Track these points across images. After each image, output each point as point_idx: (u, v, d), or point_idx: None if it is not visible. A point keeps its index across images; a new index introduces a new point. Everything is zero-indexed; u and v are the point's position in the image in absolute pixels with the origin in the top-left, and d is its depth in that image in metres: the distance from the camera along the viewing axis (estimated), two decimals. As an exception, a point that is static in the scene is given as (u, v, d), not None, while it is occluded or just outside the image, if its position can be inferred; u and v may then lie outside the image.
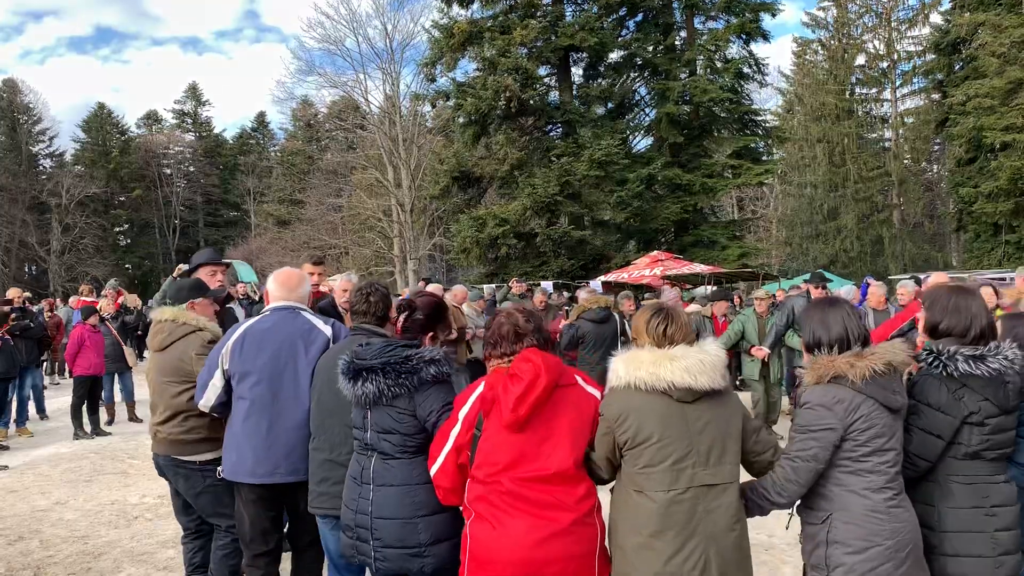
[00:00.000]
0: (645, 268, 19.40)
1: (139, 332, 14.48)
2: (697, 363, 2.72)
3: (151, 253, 55.37)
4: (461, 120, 25.99)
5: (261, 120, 64.13)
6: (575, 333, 8.05)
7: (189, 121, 61.42)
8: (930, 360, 2.88)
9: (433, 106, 31.15)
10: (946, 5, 30.86)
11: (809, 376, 2.80)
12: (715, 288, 15.80)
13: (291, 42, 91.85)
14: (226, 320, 5.04)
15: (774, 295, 10.28)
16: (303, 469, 3.58)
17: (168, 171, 57.57)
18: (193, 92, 61.62)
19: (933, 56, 31.07)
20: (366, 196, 39.68)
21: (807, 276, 20.74)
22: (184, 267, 6.04)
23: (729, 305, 10.89)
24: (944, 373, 2.83)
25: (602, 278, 19.61)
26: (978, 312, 2.93)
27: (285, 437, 3.61)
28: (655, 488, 2.71)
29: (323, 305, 5.02)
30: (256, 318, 3.88)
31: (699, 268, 19.23)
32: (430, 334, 3.49)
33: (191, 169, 59.20)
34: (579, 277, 22.56)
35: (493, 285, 18.45)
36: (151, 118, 61.18)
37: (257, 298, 15.69)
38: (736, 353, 9.32)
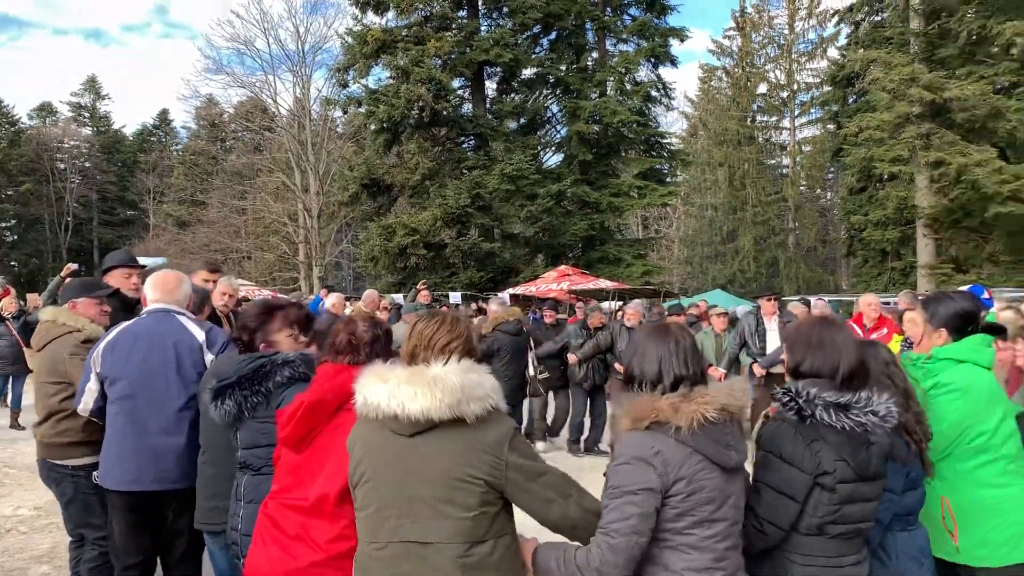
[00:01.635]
0: (553, 282, 19.60)
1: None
2: (416, 388, 2.20)
3: (39, 251, 52.58)
4: (373, 127, 25.78)
5: (164, 117, 61.95)
6: (490, 345, 8.00)
7: (86, 115, 58.77)
8: (786, 401, 2.37)
9: (344, 112, 30.73)
10: (843, 41, 32.50)
11: (623, 421, 2.23)
12: (665, 303, 15.19)
13: (199, 39, 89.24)
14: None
15: (727, 312, 10.06)
16: (172, 479, 3.48)
17: (62, 166, 54.83)
18: (92, 85, 59.02)
19: (829, 88, 32.58)
20: (271, 200, 38.79)
21: (710, 293, 21.39)
22: (73, 266, 5.77)
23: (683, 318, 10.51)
24: (800, 419, 2.33)
25: (510, 291, 19.71)
26: (845, 349, 2.43)
27: (153, 444, 3.50)
28: (361, 538, 2.32)
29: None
30: (130, 321, 3.77)
31: (604, 284, 19.55)
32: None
33: (87, 165, 56.55)
34: (487, 289, 22.62)
35: (401, 295, 18.30)
36: (45, 110, 58.20)
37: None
38: None
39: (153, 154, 56.72)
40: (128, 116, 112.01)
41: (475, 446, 2.21)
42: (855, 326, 7.44)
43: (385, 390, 2.23)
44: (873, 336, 7.15)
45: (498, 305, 8.84)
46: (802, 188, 40.44)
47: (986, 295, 4.90)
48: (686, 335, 2.34)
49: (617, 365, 8.59)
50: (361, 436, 2.34)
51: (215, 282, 5.55)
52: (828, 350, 2.42)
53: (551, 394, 9.37)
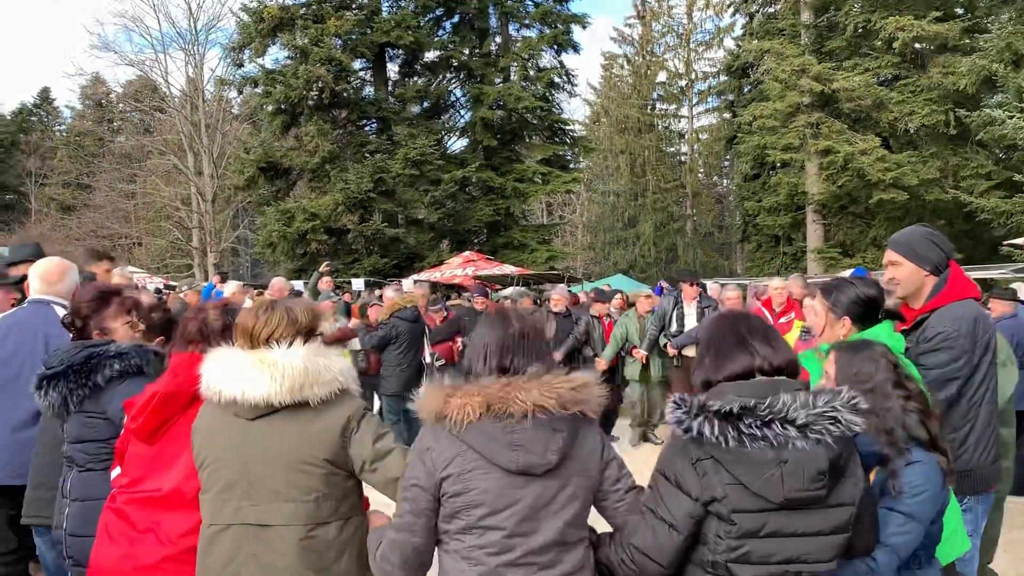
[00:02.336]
0: (457, 268, 19.52)
1: None
2: (257, 372, 2.18)
3: (-96, 237, 49.00)
4: (270, 108, 24.99)
5: (45, 96, 58.38)
6: (388, 332, 7.80)
7: (-44, 91, 54.91)
8: (672, 411, 1.99)
9: (240, 92, 29.73)
10: (738, 31, 33.40)
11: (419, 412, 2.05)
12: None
13: (84, 15, 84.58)
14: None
15: (652, 294, 9.91)
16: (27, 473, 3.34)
17: (-71, 145, 51.12)
18: (-39, 59, 55.14)
19: (726, 78, 33.45)
20: (163, 183, 37.20)
21: (612, 278, 21.70)
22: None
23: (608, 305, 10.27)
24: (686, 431, 1.93)
25: (415, 277, 19.51)
26: (763, 343, 2.02)
27: (11, 436, 3.43)
28: (204, 519, 2.28)
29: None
30: (8, 312, 3.73)
31: (509, 269, 19.60)
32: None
33: (-42, 145, 52.91)
34: (392, 275, 22.32)
35: (302, 281, 17.83)
36: (-92, 85, 54.10)
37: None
38: (618, 356, 9.10)
39: (34, 135, 53.43)
40: (5, 94, 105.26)
41: (318, 428, 2.21)
42: (764, 310, 7.51)
43: (227, 375, 2.22)
44: (782, 320, 7.27)
45: (395, 291, 8.63)
46: (700, 175, 41.52)
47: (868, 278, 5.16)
48: (526, 322, 2.09)
49: (599, 361, 8.58)
50: (204, 419, 2.32)
51: (107, 271, 5.35)
52: (740, 351, 2.01)
53: None
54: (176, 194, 36.53)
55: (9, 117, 57.05)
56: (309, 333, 2.33)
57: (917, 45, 22.06)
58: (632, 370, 8.80)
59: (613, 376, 9.05)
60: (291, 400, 2.18)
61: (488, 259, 21.08)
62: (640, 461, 8.04)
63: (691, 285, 8.49)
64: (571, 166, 28.91)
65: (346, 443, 2.24)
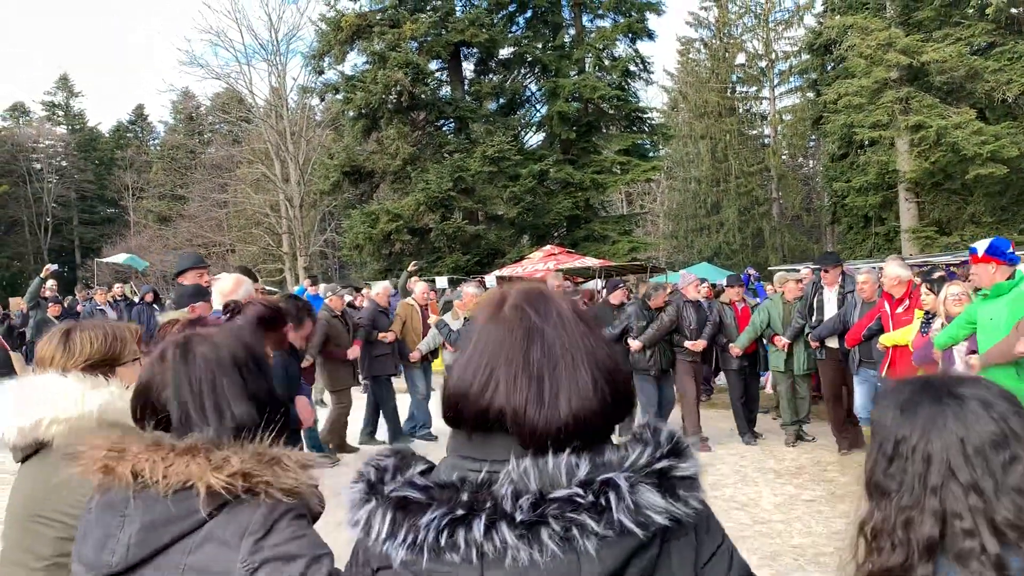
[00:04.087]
0: (539, 262, 19.56)
1: (25, 336, 13.52)
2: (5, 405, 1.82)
3: (20, 253, 52.02)
4: (351, 114, 25.57)
5: (139, 113, 61.21)
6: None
7: (60, 113, 58.01)
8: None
9: (322, 99, 30.47)
10: (819, 8, 32.40)
11: None
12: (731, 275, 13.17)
13: (172, 33, 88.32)
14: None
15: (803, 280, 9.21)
16: None
17: (38, 166, 54.17)
18: (64, 83, 58.23)
19: (807, 56, 32.54)
20: (252, 191, 38.48)
21: (697, 266, 21.38)
22: (53, 267, 5.75)
23: (743, 289, 9.82)
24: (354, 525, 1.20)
25: (497, 272, 19.67)
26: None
27: None
28: None
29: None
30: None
31: (591, 262, 19.53)
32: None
33: (64, 164, 55.92)
34: (474, 272, 22.56)
35: (390, 280, 18.23)
36: (17, 110, 57.37)
37: (137, 299, 15.02)
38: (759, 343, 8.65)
39: (130, 150, 56.08)
40: (103, 113, 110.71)
41: (52, 478, 1.70)
42: (886, 304, 7.00)
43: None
44: (899, 311, 6.82)
45: (476, 288, 8.77)
46: (784, 157, 40.43)
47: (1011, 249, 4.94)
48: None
49: (688, 344, 8.31)
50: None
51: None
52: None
53: None
54: (265, 201, 37.73)
55: (107, 135, 60.01)
56: (102, 364, 1.97)
57: (1013, 10, 20.99)
58: (776, 360, 8.37)
59: (753, 365, 8.75)
60: (21, 441, 1.81)
61: (569, 252, 21.07)
62: (787, 461, 7.96)
63: (829, 270, 7.98)
64: (650, 154, 28.60)
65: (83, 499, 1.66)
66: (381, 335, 8.96)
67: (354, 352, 8.73)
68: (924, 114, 21.14)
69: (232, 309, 3.00)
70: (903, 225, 23.96)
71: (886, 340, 6.79)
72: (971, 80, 21.07)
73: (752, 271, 15.59)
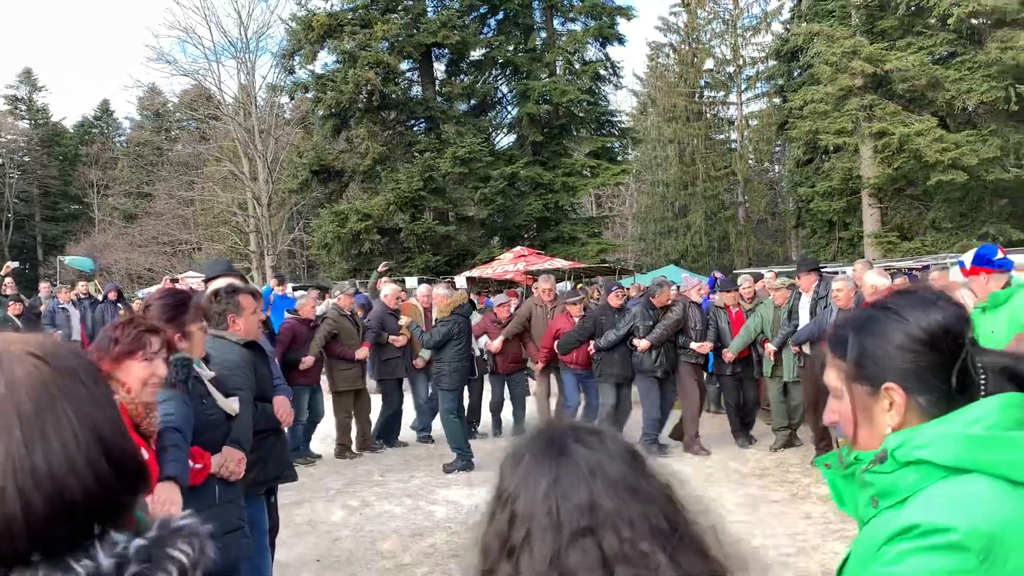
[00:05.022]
0: (509, 264, 19.67)
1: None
2: None
3: (-21, 249, 51.05)
4: (321, 112, 25.50)
5: (105, 108, 60.26)
6: (450, 329, 7.71)
7: (23, 108, 56.93)
8: None
9: (292, 98, 30.30)
10: (786, 14, 32.87)
11: None
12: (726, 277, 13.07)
13: (139, 28, 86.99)
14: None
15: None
16: None
17: (0, 160, 53.18)
18: (28, 77, 57.17)
19: (774, 62, 32.96)
20: (220, 189, 38.11)
21: (665, 269, 21.59)
22: (13, 265, 5.69)
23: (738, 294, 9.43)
24: None
25: (467, 273, 19.73)
26: None
27: None
28: None
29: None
30: None
31: (560, 263, 19.68)
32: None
33: (26, 159, 54.87)
34: (444, 272, 22.59)
35: (358, 280, 18.20)
36: (-23, 103, 56.25)
37: (101, 298, 14.82)
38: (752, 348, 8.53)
39: (95, 146, 55.17)
40: (68, 108, 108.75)
41: None
42: None
43: None
44: None
45: (447, 288, 8.81)
46: (750, 162, 40.91)
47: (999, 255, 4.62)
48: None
49: (694, 345, 8.19)
50: None
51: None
52: None
53: (597, 388, 8.59)
54: (233, 199, 37.38)
55: (72, 130, 59.00)
56: None
57: (973, 21, 21.47)
58: (766, 365, 8.26)
59: (749, 370, 8.63)
60: None
61: (539, 254, 21.20)
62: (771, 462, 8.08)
63: (803, 275, 7.72)
64: (619, 158, 28.87)
65: None
66: (392, 338, 8.82)
67: (362, 353, 8.55)
68: (887, 121, 21.58)
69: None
70: (866, 230, 24.40)
71: None
72: (932, 89, 21.55)
73: (718, 274, 15.79)
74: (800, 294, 7.80)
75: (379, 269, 10.97)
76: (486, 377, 9.32)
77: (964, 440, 1.13)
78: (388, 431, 9.12)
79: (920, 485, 1.14)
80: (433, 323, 8.64)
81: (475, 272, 19.99)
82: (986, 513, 1.09)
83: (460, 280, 17.40)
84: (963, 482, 1.12)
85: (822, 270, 7.94)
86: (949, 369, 1.16)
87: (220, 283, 4.24)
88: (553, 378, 9.16)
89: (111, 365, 2.51)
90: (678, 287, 10.30)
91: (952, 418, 1.15)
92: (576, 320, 8.45)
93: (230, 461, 3.21)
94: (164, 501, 2.61)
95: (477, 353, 8.71)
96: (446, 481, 7.45)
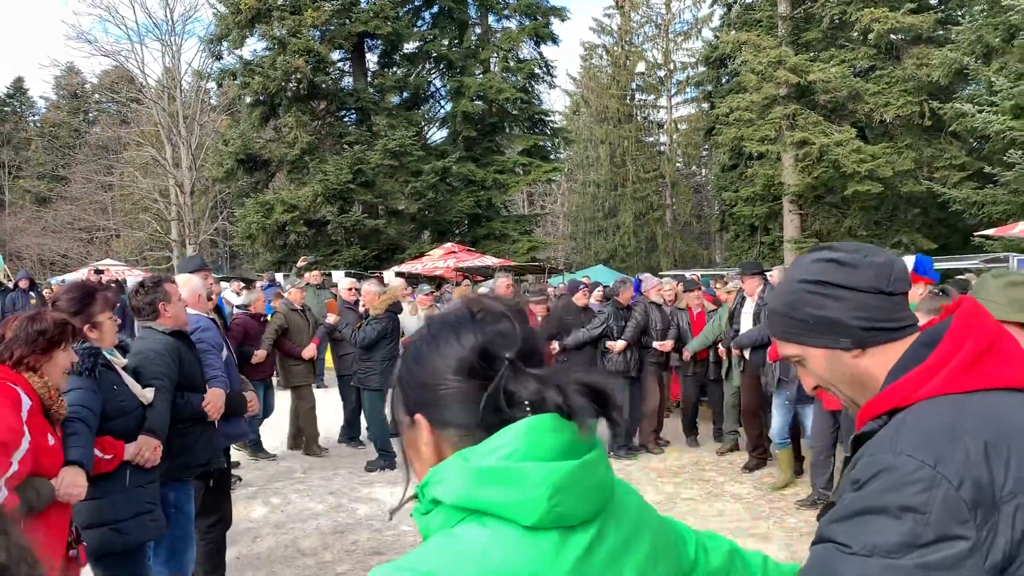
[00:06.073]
0: (439, 259, 19.60)
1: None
2: None
3: None
4: (248, 100, 24.93)
5: (18, 87, 57.56)
6: (386, 326, 7.51)
7: (-73, 81, 54.02)
8: None
9: (219, 85, 29.52)
10: (716, 22, 33.56)
11: None
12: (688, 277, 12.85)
13: (58, 4, 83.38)
14: None
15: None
16: None
17: (-101, 137, 50.30)
18: (-68, 49, 54.28)
19: (704, 68, 33.61)
20: (140, 175, 36.92)
21: (593, 268, 21.82)
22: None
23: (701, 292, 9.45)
24: None
25: (396, 268, 19.58)
26: None
27: None
28: None
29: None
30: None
31: (491, 260, 19.71)
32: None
33: (-71, 136, 52.12)
34: (372, 267, 22.37)
35: (282, 273, 17.86)
36: None
37: (12, 286, 14.18)
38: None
39: (7, 125, 52.75)
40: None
41: None
42: None
43: None
44: None
45: (376, 285, 8.59)
46: (678, 165, 41.70)
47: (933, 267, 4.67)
48: None
49: (656, 344, 8.15)
50: None
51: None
52: None
53: None
54: (154, 186, 36.27)
55: (-18, 108, 56.23)
56: None
57: (892, 36, 22.31)
58: (717, 368, 8.39)
59: (715, 370, 8.54)
60: None
61: (469, 250, 21.19)
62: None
63: (754, 276, 7.45)
64: (552, 156, 29.05)
65: None
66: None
67: (310, 352, 8.22)
68: (809, 131, 22.26)
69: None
70: (786, 235, 25.12)
71: None
72: (853, 101, 22.32)
73: (643, 276, 16.01)
74: (744, 298, 7.62)
75: (299, 264, 10.75)
76: None
77: (469, 474, 0.93)
78: (353, 429, 8.81)
79: (443, 528, 0.96)
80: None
81: (404, 267, 19.85)
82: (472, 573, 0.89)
83: (389, 275, 17.24)
84: (459, 531, 0.94)
85: (766, 275, 7.73)
86: (479, 398, 0.97)
87: (186, 278, 4.46)
88: None
89: (37, 358, 2.68)
90: (604, 287, 10.30)
91: (476, 449, 0.95)
92: (539, 320, 8.21)
93: (145, 449, 3.31)
94: (68, 484, 2.71)
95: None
96: (369, 479, 7.37)
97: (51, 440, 2.67)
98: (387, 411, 1.11)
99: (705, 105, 34.73)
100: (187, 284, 4.38)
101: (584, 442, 0.96)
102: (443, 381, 0.99)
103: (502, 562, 0.90)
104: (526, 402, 0.95)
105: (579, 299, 8.39)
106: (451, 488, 0.94)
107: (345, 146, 24.44)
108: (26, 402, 2.57)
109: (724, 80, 30.73)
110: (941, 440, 1.08)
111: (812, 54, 23.17)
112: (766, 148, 24.00)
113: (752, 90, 23.53)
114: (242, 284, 13.16)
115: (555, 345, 7.66)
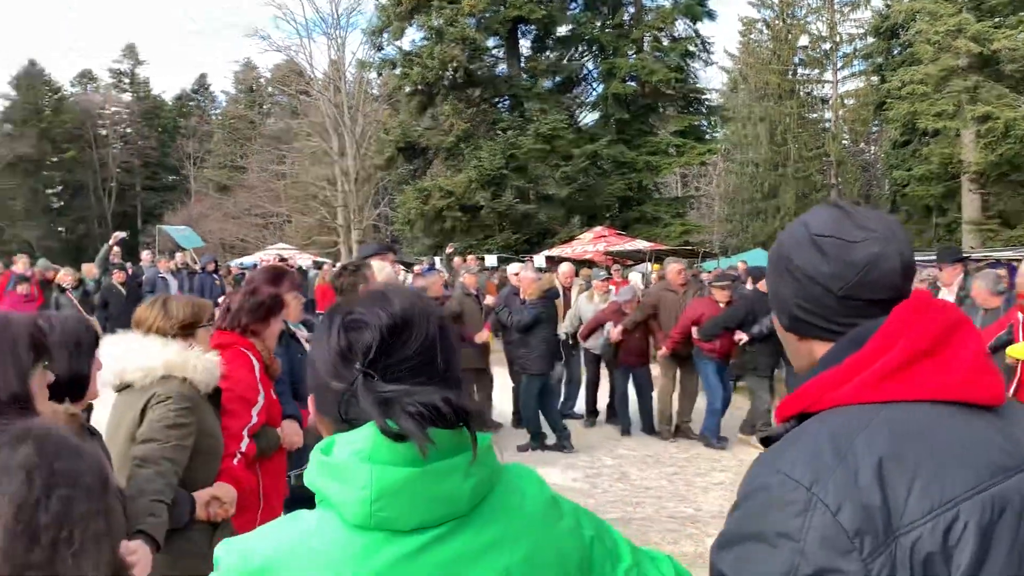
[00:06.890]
0: (589, 244, 19.60)
1: (104, 303, 12.48)
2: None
3: (85, 216, 53.62)
4: (407, 89, 25.77)
5: (202, 82, 62.39)
6: (540, 313, 7.42)
7: (126, 81, 59.40)
8: None
9: (380, 74, 30.74)
10: (887, -10, 31.51)
11: None
12: None
13: (234, 4, 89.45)
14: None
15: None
16: None
17: (104, 132, 55.65)
18: (131, 51, 59.59)
19: (873, 40, 31.73)
20: (309, 164, 39.06)
21: (750, 252, 21.15)
22: (121, 234, 5.96)
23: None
24: None
25: (546, 253, 19.75)
26: None
27: None
28: None
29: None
30: None
31: (641, 244, 19.50)
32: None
33: (128, 131, 57.32)
34: (523, 251, 22.67)
35: (438, 258, 18.43)
36: (86, 77, 58.90)
37: (199, 268, 15.39)
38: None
39: (193, 119, 57.26)
40: (167, 82, 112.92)
41: (130, 407, 2.50)
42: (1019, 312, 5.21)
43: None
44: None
45: (533, 272, 8.54)
46: (845, 143, 39.54)
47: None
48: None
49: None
50: None
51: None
52: None
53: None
54: (322, 174, 38.25)
55: (170, 103, 61.29)
56: (189, 326, 2.65)
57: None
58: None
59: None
60: (114, 381, 2.53)
61: (620, 234, 21.05)
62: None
63: (945, 267, 6.86)
64: (707, 136, 28.30)
65: (139, 420, 2.48)
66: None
67: (483, 336, 8.12)
68: (993, 104, 20.54)
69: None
70: (965, 216, 23.35)
71: (1015, 352, 5.04)
72: (1044, 69, 20.39)
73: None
74: (938, 289, 6.85)
75: (447, 251, 11.02)
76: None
77: (317, 463, 1.00)
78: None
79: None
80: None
81: (554, 251, 19.98)
82: (270, 554, 0.98)
83: (539, 259, 17.43)
84: (303, 512, 1.03)
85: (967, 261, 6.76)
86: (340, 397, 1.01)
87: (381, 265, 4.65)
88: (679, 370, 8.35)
89: (258, 325, 3.10)
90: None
91: (341, 437, 1.00)
92: (722, 306, 7.66)
93: (292, 433, 3.60)
94: (291, 433, 3.23)
95: (563, 337, 8.50)
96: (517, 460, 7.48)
97: (273, 395, 3.13)
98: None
99: (874, 79, 32.77)
100: (382, 271, 4.55)
101: (442, 451, 0.95)
102: (319, 375, 1.05)
103: (321, 551, 0.96)
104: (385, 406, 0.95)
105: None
106: (309, 472, 1.02)
107: (498, 132, 24.85)
108: (256, 364, 2.98)
109: (896, 52, 28.84)
110: (825, 456, 0.95)
111: (997, 20, 21.27)
112: (943, 124, 22.34)
113: (928, 61, 21.96)
114: (403, 268, 13.70)
115: (741, 335, 7.32)
